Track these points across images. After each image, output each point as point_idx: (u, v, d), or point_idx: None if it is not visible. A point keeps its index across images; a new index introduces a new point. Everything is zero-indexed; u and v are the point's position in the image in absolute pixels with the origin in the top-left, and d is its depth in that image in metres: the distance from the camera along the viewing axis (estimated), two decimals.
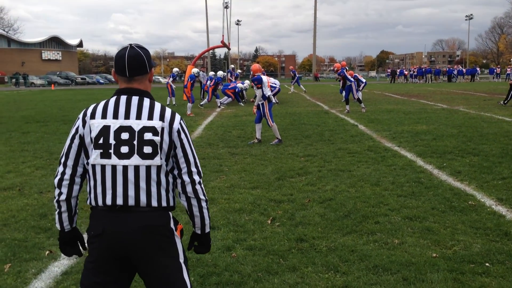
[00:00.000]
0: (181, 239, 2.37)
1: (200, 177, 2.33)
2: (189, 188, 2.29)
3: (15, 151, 9.91)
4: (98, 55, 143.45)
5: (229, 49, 42.40)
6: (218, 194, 6.15)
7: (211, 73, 24.34)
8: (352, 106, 17.88)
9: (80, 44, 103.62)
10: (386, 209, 5.43)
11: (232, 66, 31.95)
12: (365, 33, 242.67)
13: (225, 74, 27.09)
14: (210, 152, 9.31)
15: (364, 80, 23.03)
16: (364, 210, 5.40)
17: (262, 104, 10.42)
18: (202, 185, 2.35)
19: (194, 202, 2.32)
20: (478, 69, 59.61)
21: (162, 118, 2.24)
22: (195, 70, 20.17)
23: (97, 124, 2.22)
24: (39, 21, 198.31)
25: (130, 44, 2.31)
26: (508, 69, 58.25)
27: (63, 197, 2.31)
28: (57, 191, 2.32)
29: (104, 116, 2.23)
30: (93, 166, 2.23)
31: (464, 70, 59.69)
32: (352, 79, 17.49)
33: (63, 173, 2.30)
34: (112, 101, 2.27)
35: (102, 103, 2.29)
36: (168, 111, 2.29)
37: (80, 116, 2.31)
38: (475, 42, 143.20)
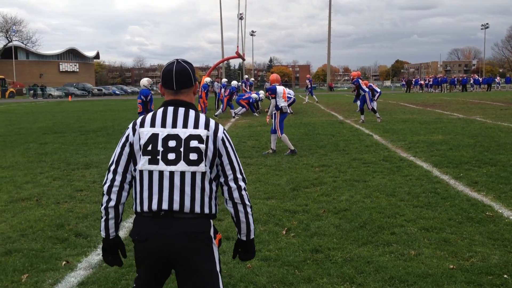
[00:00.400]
0: (219, 248, 2.46)
1: (245, 183, 2.44)
2: (236, 194, 2.39)
3: (33, 161, 10.05)
4: (115, 67, 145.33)
5: (243, 59, 42.59)
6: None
7: (224, 80, 24.46)
8: (367, 116, 17.81)
9: (97, 56, 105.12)
10: (402, 220, 5.39)
11: (246, 76, 32.08)
12: (380, 43, 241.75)
13: (240, 84, 27.19)
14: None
15: (379, 90, 22.92)
16: (380, 221, 5.36)
17: (274, 114, 10.44)
18: (247, 192, 2.45)
19: (240, 208, 2.41)
20: (497, 79, 58.63)
21: (207, 127, 2.37)
22: (207, 79, 20.31)
23: (146, 132, 2.35)
24: (57, 34, 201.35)
25: (177, 59, 2.43)
26: None
27: (112, 203, 2.40)
28: (105, 198, 2.41)
29: (153, 124, 2.36)
30: (141, 172, 2.34)
31: (480, 79, 59.15)
32: (366, 89, 17.42)
33: (113, 180, 2.40)
34: (160, 111, 2.41)
35: (150, 114, 2.43)
36: (212, 122, 2.42)
37: (130, 125, 2.45)
38: (491, 51, 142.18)
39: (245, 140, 12.93)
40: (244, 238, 2.50)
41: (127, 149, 2.40)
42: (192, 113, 2.40)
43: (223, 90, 22.94)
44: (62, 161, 10.00)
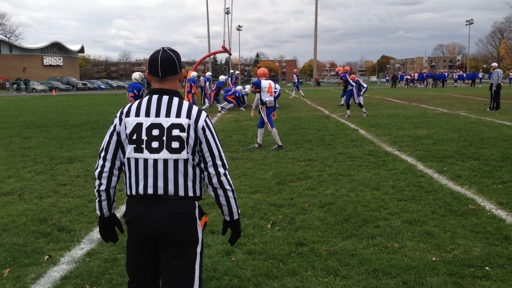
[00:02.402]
0: (203, 230, 2.61)
1: (225, 169, 2.54)
2: (214, 180, 2.51)
3: (16, 156, 9.92)
4: (100, 61, 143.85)
5: (230, 54, 42.42)
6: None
7: (208, 74, 24.37)
8: (353, 110, 17.88)
9: (82, 50, 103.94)
10: (386, 213, 5.43)
11: (232, 71, 31.99)
12: (366, 38, 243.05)
13: (226, 78, 27.11)
14: None
15: (365, 85, 23.05)
16: (364, 214, 5.40)
17: (261, 109, 10.43)
18: (228, 176, 2.56)
19: (220, 192, 2.53)
20: (480, 74, 59.18)
21: (189, 115, 2.47)
22: (194, 73, 20.21)
23: (131, 122, 2.48)
24: (41, 27, 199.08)
25: (163, 48, 2.55)
26: (510, 73, 58.31)
27: (102, 187, 2.58)
28: (97, 182, 2.59)
29: (137, 114, 2.48)
30: (128, 159, 2.50)
31: (464, 74, 59.76)
32: (353, 84, 17.51)
33: (103, 166, 2.57)
34: (145, 100, 2.52)
35: (136, 103, 2.55)
36: (194, 109, 2.51)
37: (118, 114, 2.57)
38: (476, 47, 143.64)
39: (231, 134, 12.90)
40: (228, 219, 2.66)
41: (114, 137, 2.54)
42: (175, 100, 2.50)
43: (207, 83, 22.83)
44: (45, 156, 9.89)
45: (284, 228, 5.02)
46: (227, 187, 2.53)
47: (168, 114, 2.45)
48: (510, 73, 58.78)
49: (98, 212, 2.67)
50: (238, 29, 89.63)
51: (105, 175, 2.56)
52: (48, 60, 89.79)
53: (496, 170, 7.46)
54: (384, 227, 4.97)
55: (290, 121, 15.99)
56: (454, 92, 36.55)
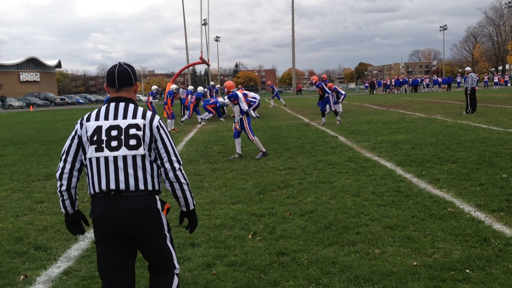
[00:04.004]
0: (167, 215, 2.86)
1: (179, 164, 2.81)
2: (171, 174, 2.77)
3: None
4: (78, 75, 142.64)
5: (208, 65, 42.50)
6: (198, 210, 6.08)
7: (190, 87, 24.35)
8: (331, 118, 17.98)
9: (59, 65, 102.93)
10: (366, 219, 5.43)
11: (212, 82, 31.97)
12: (344, 46, 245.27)
13: (206, 90, 27.07)
14: (191, 169, 9.24)
15: (343, 92, 23.28)
16: (345, 221, 5.39)
17: (241, 119, 10.43)
18: (183, 171, 2.82)
19: (176, 186, 2.80)
20: (458, 78, 59.65)
21: (144, 117, 2.76)
22: (173, 86, 20.13)
23: (91, 125, 2.72)
24: (16, 43, 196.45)
25: (119, 62, 2.85)
26: (485, 77, 59.44)
27: (63, 188, 2.80)
28: (58, 183, 2.81)
29: (97, 118, 2.74)
30: (90, 159, 2.71)
31: (439, 79, 60.72)
32: (329, 91, 17.65)
33: (63, 168, 2.79)
34: (103, 107, 2.79)
35: (95, 110, 2.80)
36: (149, 113, 2.80)
37: (79, 121, 2.82)
38: (451, 51, 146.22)
39: (211, 145, 12.85)
40: (184, 209, 2.93)
41: (75, 141, 2.78)
42: (131, 106, 2.78)
43: (189, 96, 22.78)
44: (22, 173, 9.70)
45: (265, 238, 4.99)
46: (183, 180, 2.81)
47: (125, 117, 2.72)
48: (485, 77, 59.97)
49: (63, 210, 2.89)
50: (216, 40, 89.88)
51: (65, 176, 2.78)
52: (25, 76, 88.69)
53: (474, 173, 7.55)
54: (365, 233, 4.97)
55: (270, 130, 16.01)
56: (430, 97, 37.09)
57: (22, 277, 4.25)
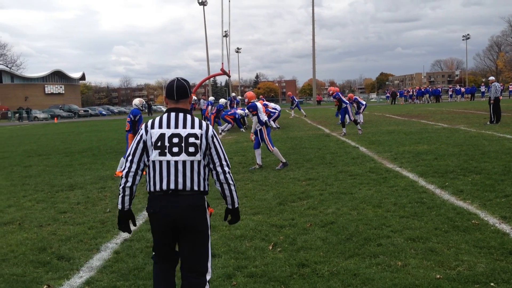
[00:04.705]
0: (210, 217, 3.28)
1: (229, 168, 3.26)
2: (222, 176, 3.22)
3: (16, 185, 9.90)
4: (101, 87, 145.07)
5: (229, 76, 42.62)
6: (219, 221, 6.09)
7: (211, 98, 24.52)
8: (352, 128, 17.88)
9: (83, 77, 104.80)
10: (388, 231, 5.36)
11: (233, 94, 32.11)
12: (365, 56, 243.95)
13: (227, 101, 27.21)
14: (211, 179, 9.25)
15: (364, 102, 23.15)
16: (367, 233, 5.34)
17: (260, 130, 10.46)
18: (231, 174, 3.27)
19: (225, 186, 3.25)
20: (482, 88, 58.29)
21: (200, 127, 3.18)
22: (193, 97, 20.30)
23: (156, 132, 3.14)
24: (42, 56, 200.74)
25: (177, 78, 3.26)
26: (510, 86, 58.28)
27: (128, 184, 3.18)
28: (123, 180, 3.19)
29: (160, 126, 3.15)
30: (153, 161, 3.12)
31: (462, 89, 59.75)
32: (347, 101, 17.58)
33: (130, 167, 3.18)
34: (165, 116, 3.19)
35: (158, 118, 3.20)
36: (204, 123, 3.22)
37: (143, 127, 3.21)
38: (474, 61, 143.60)
39: (231, 156, 12.89)
40: (230, 207, 3.36)
41: (141, 145, 3.16)
42: (189, 117, 3.19)
43: (210, 107, 22.94)
44: (46, 184, 9.87)
45: (286, 249, 4.96)
46: (231, 182, 3.26)
47: (184, 126, 3.14)
48: (510, 86, 58.85)
49: (119, 206, 3.22)
50: (237, 51, 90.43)
51: (131, 174, 3.16)
52: (50, 88, 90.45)
53: (498, 184, 7.41)
54: (387, 245, 4.91)
55: (291, 141, 15.98)
56: (453, 107, 36.60)
57: (45, 286, 4.30)
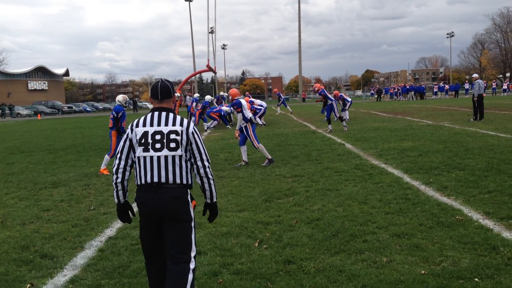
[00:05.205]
0: (194, 210, 3.46)
1: (208, 163, 3.46)
2: (202, 171, 3.42)
3: None
4: (85, 84, 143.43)
5: (215, 73, 42.61)
6: (204, 218, 6.03)
7: (196, 95, 24.42)
8: (338, 125, 17.94)
9: (67, 73, 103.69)
10: (374, 227, 5.39)
11: (222, 93, 31.98)
12: (351, 53, 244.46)
13: (213, 98, 27.12)
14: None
15: (349, 99, 23.25)
16: (352, 229, 5.35)
17: (245, 126, 10.44)
18: (210, 169, 3.47)
19: (205, 180, 3.46)
20: (466, 85, 58.74)
21: (181, 124, 3.39)
22: (177, 94, 20.21)
23: (140, 130, 3.37)
24: (25, 52, 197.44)
25: (161, 79, 3.52)
26: (493, 83, 58.99)
27: (119, 180, 3.44)
28: (114, 176, 3.46)
29: (144, 125, 3.39)
30: (138, 157, 3.37)
31: (446, 86, 60.33)
32: (332, 98, 17.65)
33: (119, 164, 3.43)
34: (149, 115, 3.43)
35: (143, 117, 3.44)
36: (185, 120, 3.44)
37: (129, 126, 3.47)
38: (458, 58, 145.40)
39: (217, 153, 12.85)
40: (208, 201, 3.56)
41: (127, 143, 3.42)
42: (171, 115, 3.42)
43: (194, 104, 22.83)
44: (29, 181, 9.74)
45: (272, 246, 4.96)
46: (210, 176, 3.47)
47: (166, 124, 3.36)
48: (493, 83, 59.57)
49: (116, 200, 3.51)
50: (223, 48, 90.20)
51: (120, 170, 3.42)
52: (33, 84, 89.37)
53: (482, 180, 7.49)
54: (372, 241, 4.93)
55: (277, 138, 15.99)
56: (438, 104, 36.95)
57: (28, 285, 4.24)
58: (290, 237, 5.22)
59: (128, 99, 11.12)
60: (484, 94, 19.67)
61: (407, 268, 4.17)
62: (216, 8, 46.00)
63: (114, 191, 3.49)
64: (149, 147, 3.31)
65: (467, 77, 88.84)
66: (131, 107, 57.74)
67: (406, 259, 4.38)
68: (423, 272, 4.06)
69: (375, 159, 10.34)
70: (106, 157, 10.29)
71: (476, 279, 3.87)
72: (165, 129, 3.34)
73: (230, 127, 22.05)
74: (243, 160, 10.58)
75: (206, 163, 3.43)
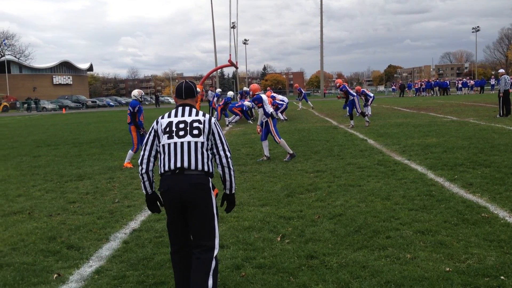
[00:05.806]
0: (216, 198, 3.56)
1: (230, 153, 3.63)
2: (224, 160, 3.59)
3: (26, 175, 9.97)
4: (108, 78, 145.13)
5: (236, 68, 42.54)
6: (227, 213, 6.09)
7: (218, 90, 24.51)
8: (360, 121, 17.80)
9: (91, 68, 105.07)
10: (397, 224, 5.35)
11: (245, 88, 32.01)
12: (373, 48, 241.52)
13: (235, 94, 27.18)
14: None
15: (372, 95, 23.04)
16: (375, 225, 5.32)
17: (267, 121, 10.45)
18: (231, 160, 3.64)
19: (226, 170, 3.61)
20: (492, 81, 57.33)
21: (204, 116, 3.62)
22: (198, 90, 20.33)
23: (165, 121, 3.59)
24: (50, 47, 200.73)
25: (185, 80, 3.81)
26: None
27: (143, 170, 3.62)
28: (139, 168, 3.64)
29: (169, 116, 3.62)
30: (163, 145, 3.52)
31: (471, 81, 59.04)
32: (354, 93, 17.51)
33: (143, 154, 3.61)
34: (174, 109, 3.66)
35: (168, 112, 3.66)
36: (207, 114, 3.65)
37: (156, 120, 3.67)
38: (483, 53, 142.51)
39: (239, 147, 12.89)
40: (227, 192, 3.72)
41: (152, 133, 3.62)
42: (194, 109, 3.66)
43: (215, 99, 22.91)
44: (55, 174, 9.92)
45: (294, 241, 4.96)
46: (231, 167, 3.64)
47: (190, 115, 3.59)
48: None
49: (143, 191, 3.67)
50: (245, 43, 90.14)
51: (145, 161, 3.59)
52: (58, 79, 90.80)
53: (508, 177, 7.35)
54: (396, 237, 4.90)
55: (298, 133, 15.95)
56: (463, 100, 36.34)
57: (55, 275, 4.34)
58: (312, 232, 5.21)
59: (143, 93, 11.19)
60: (511, 90, 19.26)
61: (432, 265, 4.13)
62: (238, 3, 45.90)
63: (141, 182, 3.65)
64: (173, 134, 3.49)
65: (493, 73, 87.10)
66: (153, 101, 58.19)
67: (430, 256, 4.34)
68: (447, 269, 4.02)
69: (398, 155, 10.24)
70: (130, 152, 10.40)
71: (502, 277, 3.81)
72: (188, 119, 3.55)
73: (251, 122, 22.07)
74: (265, 155, 10.60)
75: (228, 153, 3.59)
